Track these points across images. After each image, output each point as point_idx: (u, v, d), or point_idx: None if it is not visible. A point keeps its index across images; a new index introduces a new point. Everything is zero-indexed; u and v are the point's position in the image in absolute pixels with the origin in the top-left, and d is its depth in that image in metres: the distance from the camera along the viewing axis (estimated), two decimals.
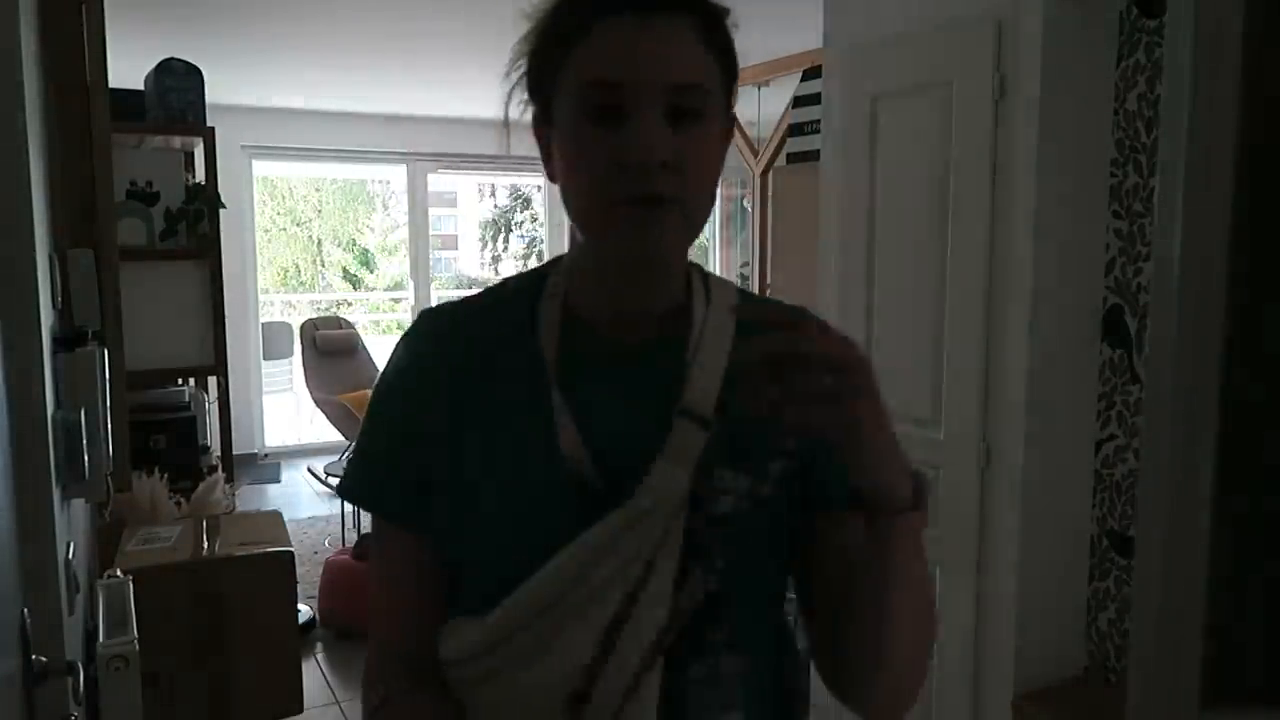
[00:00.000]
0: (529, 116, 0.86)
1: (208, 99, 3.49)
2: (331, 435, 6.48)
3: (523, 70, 0.84)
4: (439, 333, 0.90)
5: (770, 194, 4.67)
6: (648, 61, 0.75)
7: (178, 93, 3.40)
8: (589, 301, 0.87)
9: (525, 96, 0.85)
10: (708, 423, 0.81)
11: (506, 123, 0.86)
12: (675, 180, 0.76)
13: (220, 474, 3.42)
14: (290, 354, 7.10)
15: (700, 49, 0.77)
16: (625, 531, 0.79)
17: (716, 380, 0.83)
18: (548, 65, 0.81)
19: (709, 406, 0.82)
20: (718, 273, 1.24)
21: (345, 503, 5.13)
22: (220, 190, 3.56)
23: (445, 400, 0.85)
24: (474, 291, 1.00)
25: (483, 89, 6.06)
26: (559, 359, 0.84)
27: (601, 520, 0.79)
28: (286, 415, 7.97)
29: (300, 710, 2.61)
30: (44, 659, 1.12)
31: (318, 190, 11.60)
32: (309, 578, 4.11)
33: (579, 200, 0.80)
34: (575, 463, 0.80)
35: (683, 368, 0.83)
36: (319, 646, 3.81)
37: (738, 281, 0.99)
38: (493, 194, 11.83)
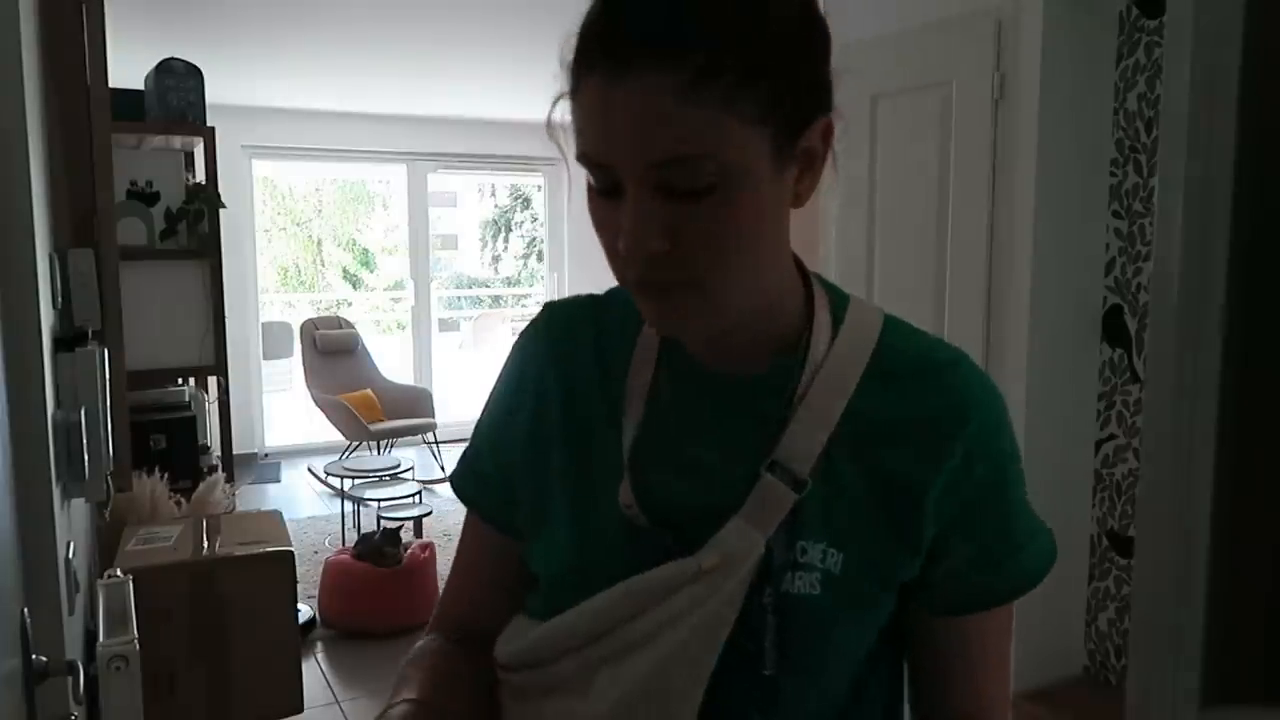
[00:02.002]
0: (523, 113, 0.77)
1: (208, 99, 3.49)
2: (331, 435, 6.48)
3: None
4: (542, 336, 0.83)
5: None
6: (618, 137, 0.62)
7: (178, 93, 3.40)
8: None
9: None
10: (800, 483, 0.70)
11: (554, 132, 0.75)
12: (681, 265, 0.65)
13: (220, 474, 3.42)
14: (290, 354, 7.10)
15: (682, 110, 0.60)
16: (680, 588, 0.70)
17: (823, 433, 0.71)
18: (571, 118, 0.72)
19: (806, 463, 0.70)
20: None
21: (347, 502, 5.13)
22: (220, 190, 3.56)
23: (534, 410, 0.81)
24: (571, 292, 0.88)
25: (483, 89, 6.07)
26: (654, 387, 0.76)
27: (653, 570, 0.71)
28: (286, 415, 7.97)
29: (300, 710, 2.61)
30: (44, 658, 1.12)
31: (318, 190, 11.61)
32: (309, 578, 4.11)
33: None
34: (630, 514, 0.74)
35: (786, 412, 0.72)
36: (319, 646, 3.81)
37: None
38: (493, 194, 11.83)
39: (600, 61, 0.62)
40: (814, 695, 0.74)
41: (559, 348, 0.82)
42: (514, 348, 0.85)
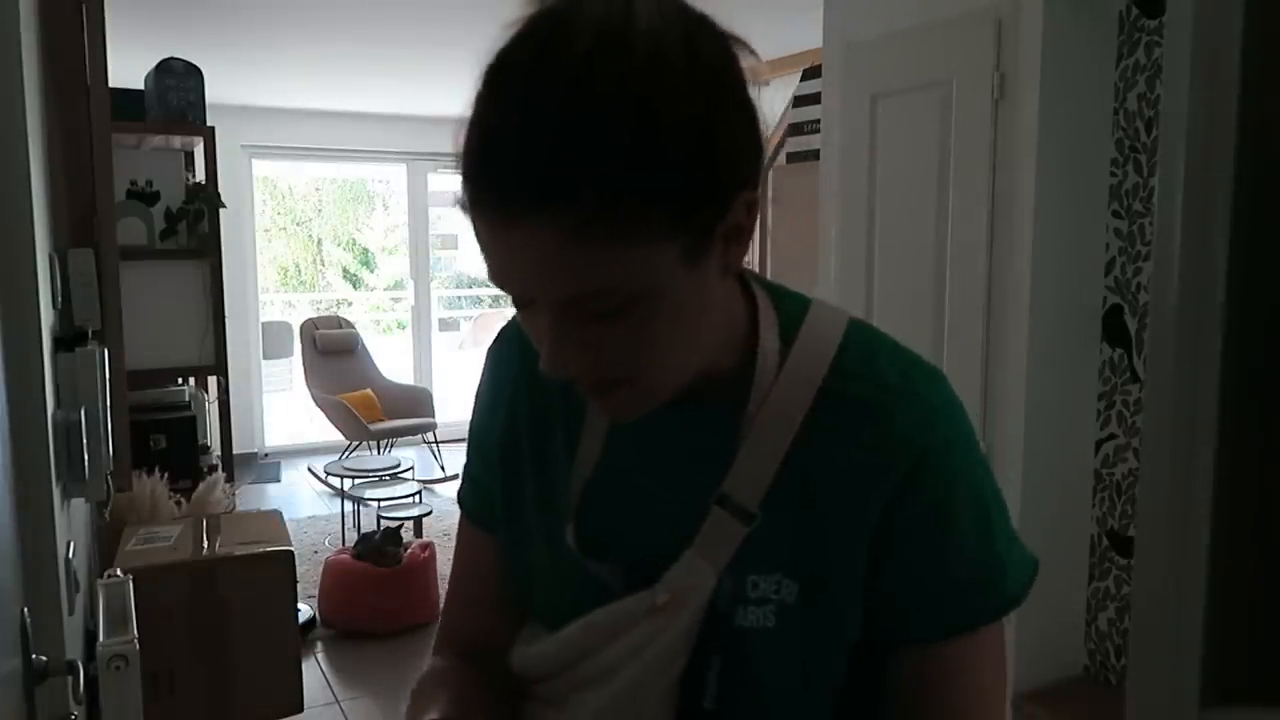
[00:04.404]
0: None
1: (208, 99, 3.50)
2: (331, 435, 6.48)
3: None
4: (516, 342, 0.82)
5: (770, 194, 4.68)
6: (516, 277, 0.61)
7: (178, 92, 3.41)
8: None
9: None
10: (749, 515, 0.69)
11: None
12: (608, 369, 0.64)
13: (220, 473, 3.42)
14: (290, 353, 7.10)
15: (579, 253, 0.57)
16: (636, 623, 0.71)
17: (772, 465, 0.69)
18: None
19: (754, 496, 0.69)
20: None
21: (347, 502, 5.13)
22: (220, 190, 3.56)
23: (508, 416, 0.81)
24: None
25: None
26: (610, 424, 0.75)
27: (612, 605, 0.72)
28: (286, 415, 7.97)
29: (300, 710, 2.61)
30: (44, 658, 1.12)
31: (318, 190, 11.59)
32: (309, 578, 4.11)
33: None
34: (578, 554, 0.75)
35: (735, 446, 0.71)
36: (319, 646, 3.81)
37: None
38: None
39: (485, 204, 0.59)
40: None
41: (531, 359, 0.80)
42: (489, 352, 0.85)
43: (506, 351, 0.84)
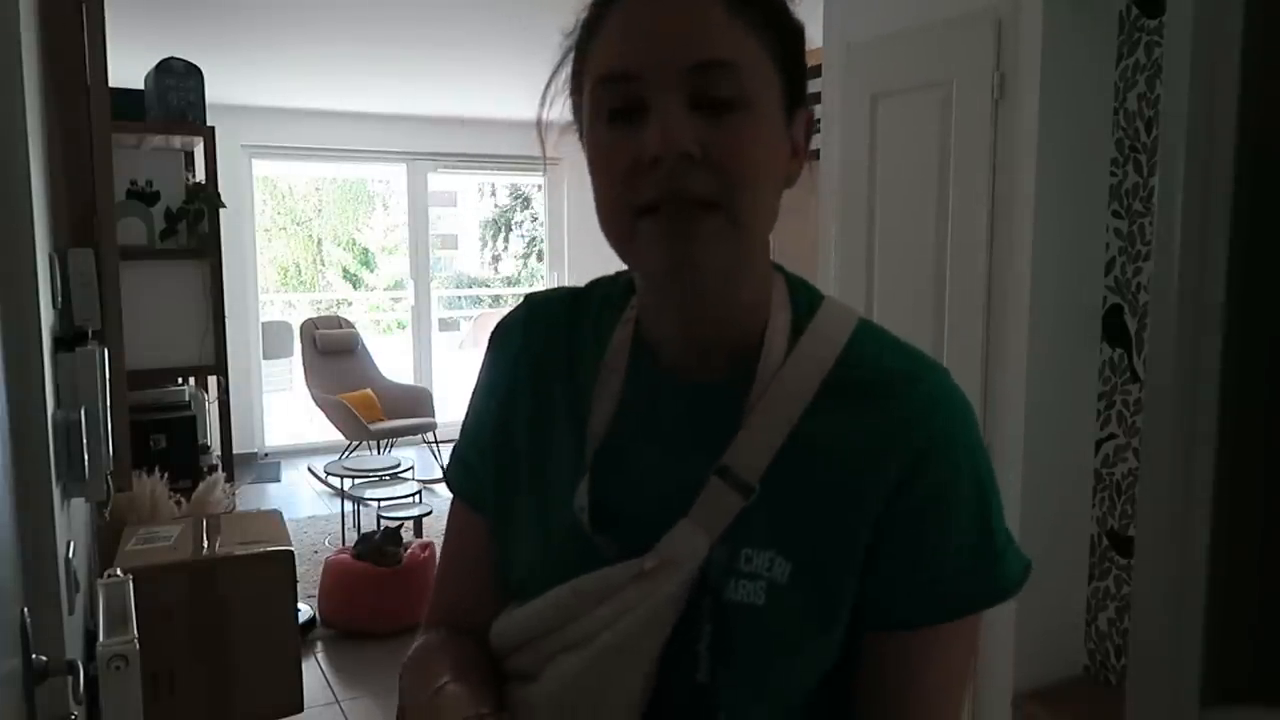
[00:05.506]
0: (553, 114, 0.78)
1: (208, 99, 3.49)
2: (331, 435, 6.49)
3: (564, 74, 0.75)
4: (519, 331, 0.85)
5: None
6: (658, 42, 0.66)
7: (178, 92, 3.40)
8: (654, 331, 0.78)
9: (565, 102, 0.77)
10: (748, 489, 0.70)
11: (541, 127, 0.78)
12: (707, 176, 0.66)
13: (220, 473, 3.43)
14: (290, 353, 7.10)
15: (728, 20, 0.66)
16: (623, 587, 0.72)
17: (775, 442, 0.71)
18: (576, 71, 0.73)
19: (754, 471, 0.70)
20: None
21: (347, 502, 5.13)
22: (220, 190, 3.56)
23: (506, 404, 0.83)
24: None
25: (483, 89, 6.07)
26: (620, 395, 0.77)
27: (601, 570, 0.73)
28: (286, 415, 7.97)
29: (300, 710, 2.62)
30: (44, 658, 1.12)
31: (318, 190, 11.60)
32: (309, 578, 4.11)
33: (599, 212, 0.71)
34: (582, 520, 0.75)
35: (739, 420, 0.72)
36: (319, 646, 3.81)
37: None
38: (493, 193, 11.82)
39: None
40: (759, 711, 0.73)
41: (534, 346, 0.83)
42: (490, 342, 0.86)
43: (506, 343, 0.85)
